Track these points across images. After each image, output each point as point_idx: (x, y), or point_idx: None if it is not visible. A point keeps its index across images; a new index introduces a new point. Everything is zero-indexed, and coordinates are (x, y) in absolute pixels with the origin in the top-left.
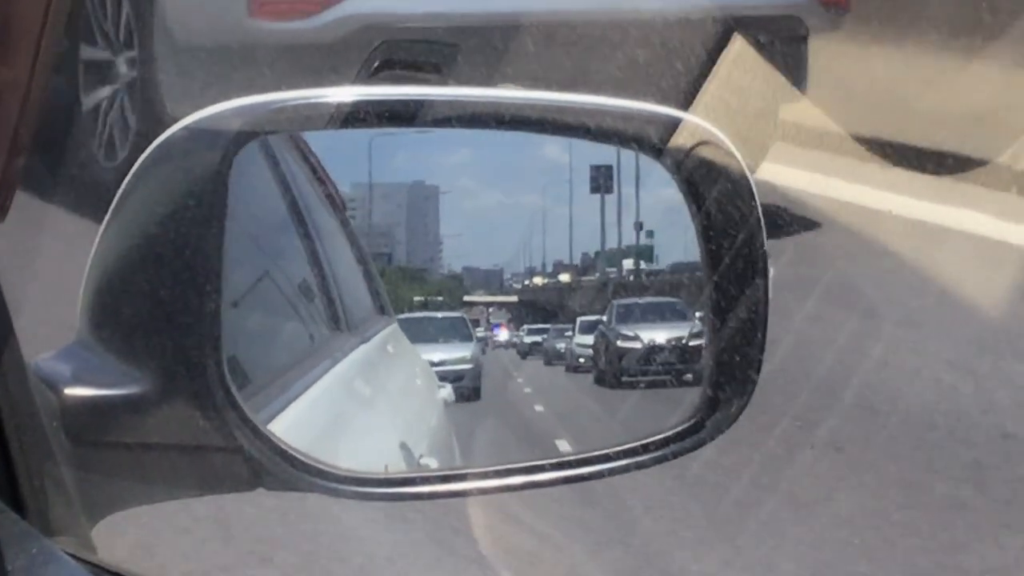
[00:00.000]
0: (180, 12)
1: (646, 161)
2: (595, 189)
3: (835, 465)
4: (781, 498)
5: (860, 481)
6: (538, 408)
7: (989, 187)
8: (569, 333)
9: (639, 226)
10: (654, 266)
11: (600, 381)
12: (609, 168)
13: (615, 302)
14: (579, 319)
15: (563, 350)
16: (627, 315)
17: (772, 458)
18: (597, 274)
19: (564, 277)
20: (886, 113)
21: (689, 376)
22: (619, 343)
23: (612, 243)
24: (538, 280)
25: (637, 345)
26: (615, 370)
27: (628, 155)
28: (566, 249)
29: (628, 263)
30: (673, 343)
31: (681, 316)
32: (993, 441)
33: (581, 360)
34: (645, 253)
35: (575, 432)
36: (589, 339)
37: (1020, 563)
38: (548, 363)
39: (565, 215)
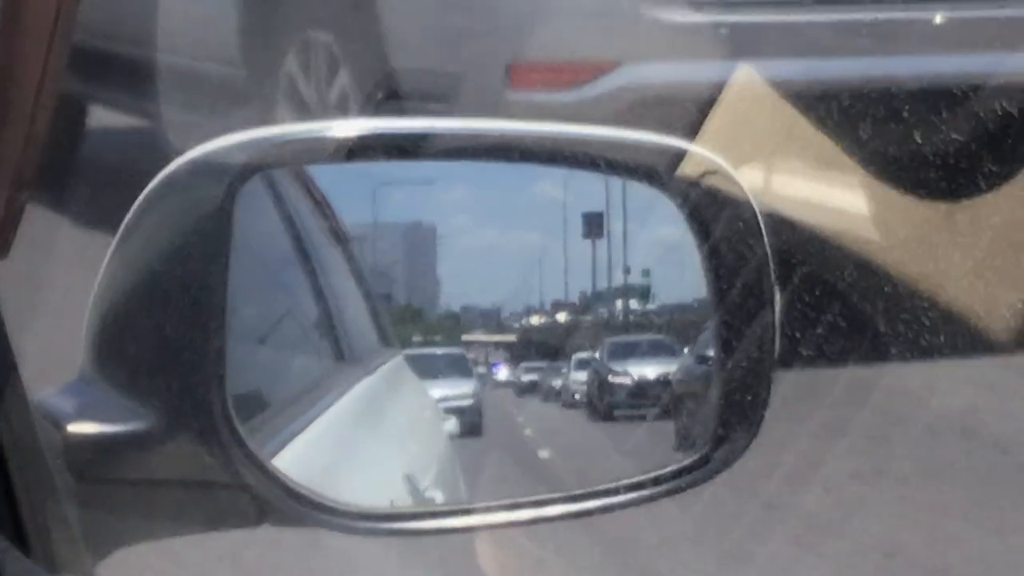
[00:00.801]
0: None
1: (644, 199)
2: (587, 235)
3: None
4: None
5: None
6: (541, 452)
7: None
8: (565, 370)
9: (627, 270)
10: (651, 305)
11: (593, 415)
12: (600, 215)
13: (607, 340)
14: (574, 356)
15: (559, 387)
16: (618, 352)
17: None
18: (597, 312)
19: (561, 316)
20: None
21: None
22: (610, 378)
23: (611, 282)
24: (536, 319)
25: (627, 380)
26: (606, 404)
27: (623, 195)
28: (564, 286)
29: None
30: (661, 378)
31: (670, 352)
32: None
33: (576, 396)
34: (642, 292)
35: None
36: (584, 375)
37: None
38: (544, 400)
39: (562, 252)
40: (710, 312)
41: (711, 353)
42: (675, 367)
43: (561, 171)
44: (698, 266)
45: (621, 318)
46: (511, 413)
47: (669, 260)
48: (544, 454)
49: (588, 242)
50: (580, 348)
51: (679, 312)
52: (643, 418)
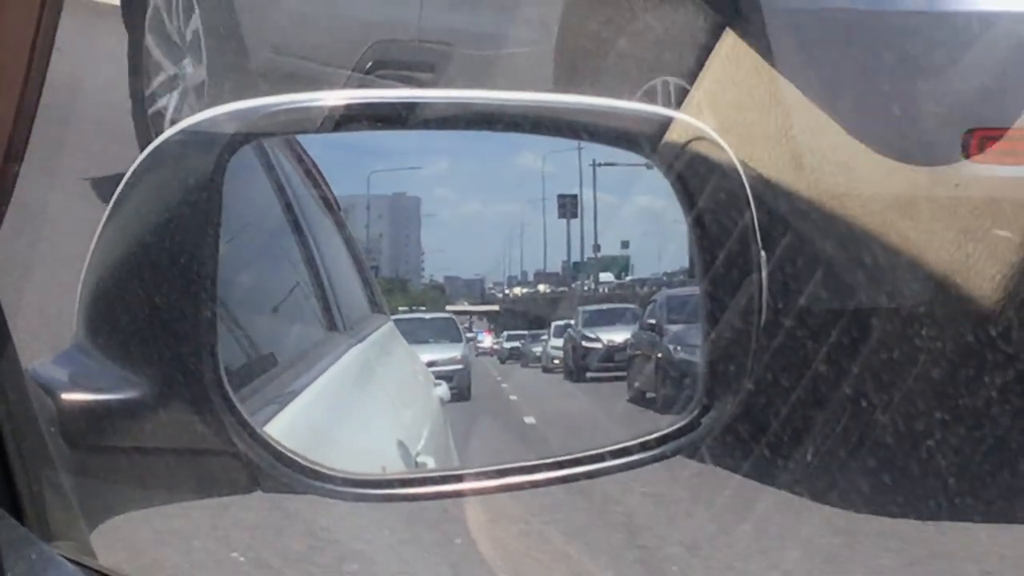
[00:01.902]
0: None
1: (623, 175)
2: (562, 215)
3: None
4: None
5: None
6: (513, 397)
7: None
8: (544, 337)
9: (597, 247)
10: (629, 276)
11: (569, 377)
12: (574, 197)
13: (581, 308)
14: (553, 324)
15: (539, 353)
16: (591, 320)
17: None
18: (573, 285)
19: (543, 288)
20: None
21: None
22: (583, 344)
23: (589, 255)
24: (518, 290)
25: (599, 345)
26: (580, 367)
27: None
28: (547, 258)
29: (603, 275)
30: (630, 343)
31: (637, 319)
32: None
33: (555, 361)
34: (621, 264)
35: (549, 417)
36: (561, 342)
37: None
38: (525, 366)
39: (545, 223)
40: (696, 280)
41: (653, 321)
42: None
43: (543, 144)
44: (672, 238)
45: (595, 289)
46: (496, 379)
47: (647, 232)
48: (530, 420)
49: (563, 222)
50: (559, 317)
51: (652, 284)
52: (613, 379)
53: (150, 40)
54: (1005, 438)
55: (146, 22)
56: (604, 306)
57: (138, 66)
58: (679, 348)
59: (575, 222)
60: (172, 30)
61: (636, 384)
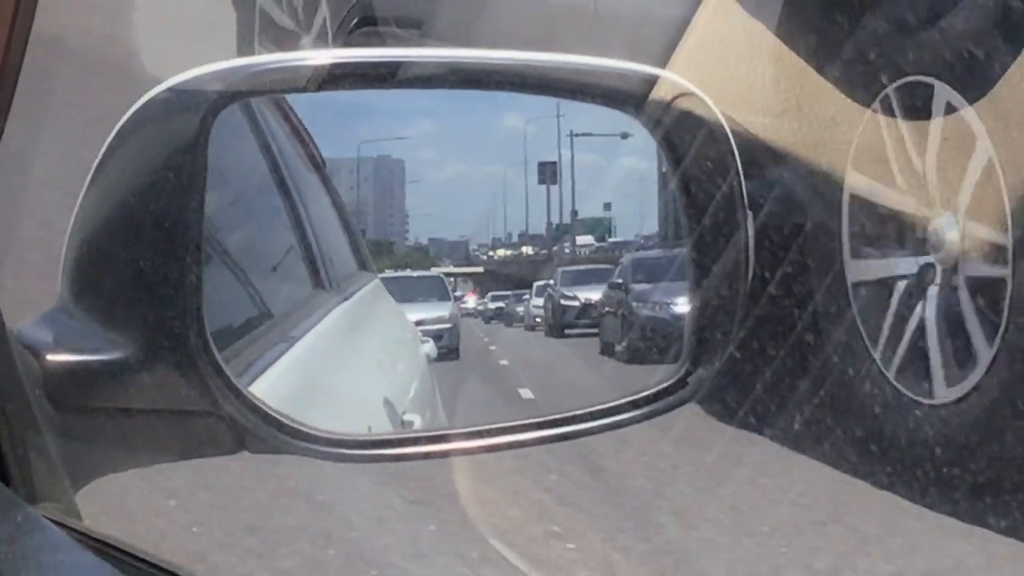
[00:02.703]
0: None
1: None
2: (542, 181)
3: None
4: None
5: None
6: (503, 362)
7: None
8: (526, 297)
9: (574, 212)
10: (613, 238)
11: (550, 334)
12: (553, 164)
13: (560, 269)
14: (535, 284)
15: (522, 313)
16: (569, 280)
17: None
18: (554, 248)
19: (527, 250)
20: None
21: None
22: (562, 302)
23: (568, 218)
24: (502, 252)
25: (576, 303)
26: (559, 323)
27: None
28: (531, 219)
29: (582, 239)
30: (600, 301)
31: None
32: None
33: (537, 320)
34: (604, 226)
35: (531, 371)
36: (542, 301)
37: None
38: (509, 325)
39: (527, 186)
40: (684, 239)
41: (620, 281)
42: None
43: (527, 105)
44: (651, 200)
45: (574, 252)
46: (480, 337)
47: (631, 194)
48: (525, 393)
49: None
50: (541, 278)
51: (627, 247)
52: (592, 335)
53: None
54: (992, 410)
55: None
56: (582, 267)
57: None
58: (642, 305)
59: (556, 187)
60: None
61: (605, 338)
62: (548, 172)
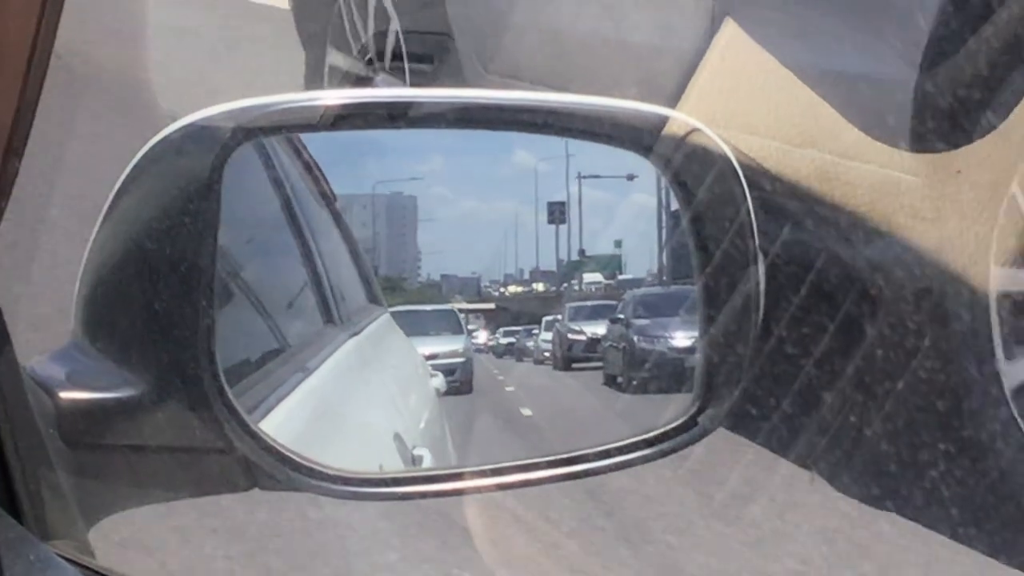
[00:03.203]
0: None
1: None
2: (551, 221)
3: None
4: None
5: None
6: (509, 388)
7: None
8: (536, 332)
9: (581, 252)
10: (623, 275)
11: (556, 366)
12: (562, 204)
13: (568, 304)
14: (544, 319)
15: (531, 347)
16: (576, 314)
17: None
18: (563, 286)
19: (538, 286)
20: None
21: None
22: (568, 336)
23: (579, 255)
24: (514, 288)
25: (582, 337)
26: (566, 357)
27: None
28: (542, 255)
29: (589, 276)
30: (604, 336)
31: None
32: None
33: (545, 353)
34: (614, 263)
35: (535, 398)
36: (550, 335)
37: None
38: (519, 360)
39: (537, 223)
40: (694, 276)
41: (622, 316)
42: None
43: (538, 142)
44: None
45: (581, 289)
46: (491, 371)
47: (643, 232)
48: (526, 412)
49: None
50: (550, 313)
51: (631, 285)
52: (596, 368)
53: (334, 56)
54: (1009, 471)
55: (328, 35)
56: (588, 303)
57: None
58: (642, 338)
59: (567, 226)
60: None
61: (608, 370)
62: (557, 212)
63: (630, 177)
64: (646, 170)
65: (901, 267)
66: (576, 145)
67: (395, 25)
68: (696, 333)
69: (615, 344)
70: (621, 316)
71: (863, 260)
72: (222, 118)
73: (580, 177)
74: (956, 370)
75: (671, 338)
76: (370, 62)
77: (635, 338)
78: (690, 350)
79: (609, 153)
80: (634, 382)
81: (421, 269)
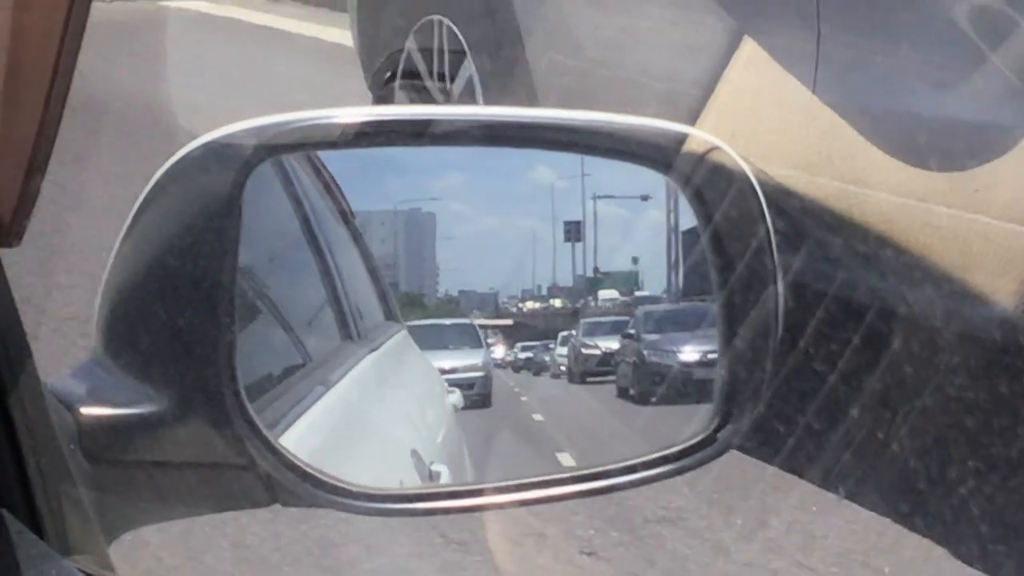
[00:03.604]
0: None
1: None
2: (567, 239)
3: None
4: None
5: None
6: (524, 398)
7: None
8: (552, 347)
9: (596, 270)
10: (642, 292)
11: (571, 380)
12: (578, 223)
13: (582, 320)
14: (560, 334)
15: (548, 361)
16: (591, 330)
17: None
18: (579, 303)
19: (556, 302)
20: None
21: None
22: (583, 351)
23: (596, 271)
24: (532, 304)
25: (596, 352)
26: (581, 371)
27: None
28: (560, 271)
29: (604, 293)
30: (617, 350)
31: None
32: None
33: (561, 368)
34: (631, 280)
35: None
36: (566, 350)
37: None
38: (537, 374)
39: (557, 239)
40: (713, 292)
41: (632, 331)
42: None
43: (557, 158)
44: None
45: (598, 304)
46: (510, 385)
47: (658, 249)
48: (538, 417)
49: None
50: (566, 329)
51: (646, 301)
52: (610, 381)
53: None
54: None
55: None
56: (603, 319)
57: None
58: (651, 352)
59: (584, 243)
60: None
61: (620, 383)
62: (573, 231)
63: (644, 197)
64: (661, 189)
65: (929, 282)
66: (592, 164)
67: (470, 66)
68: (705, 347)
69: (627, 358)
70: (632, 331)
71: (889, 276)
72: (243, 135)
73: (595, 197)
74: (985, 387)
75: (680, 352)
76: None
77: (645, 352)
78: (698, 364)
79: (625, 173)
80: (644, 393)
81: (440, 285)
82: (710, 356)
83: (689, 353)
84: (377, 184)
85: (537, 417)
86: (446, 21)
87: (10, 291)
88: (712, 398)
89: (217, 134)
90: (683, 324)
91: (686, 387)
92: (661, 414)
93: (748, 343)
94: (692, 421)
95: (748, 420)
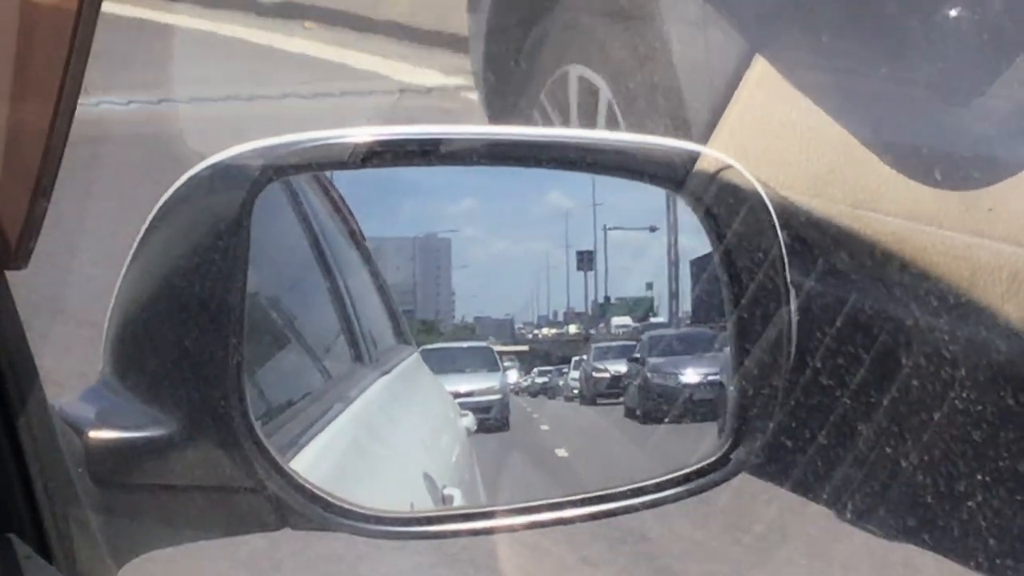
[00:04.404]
0: None
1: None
2: (580, 268)
3: None
4: None
5: None
6: (544, 427)
7: None
8: (565, 371)
9: (607, 298)
10: (656, 318)
11: (583, 402)
12: (591, 252)
13: (593, 345)
14: (573, 359)
15: (562, 385)
16: (601, 355)
17: None
18: (591, 331)
19: (572, 328)
20: None
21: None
22: (593, 374)
23: (627, 292)
24: (548, 330)
25: (606, 375)
26: (591, 393)
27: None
28: (574, 297)
29: (617, 320)
30: (624, 373)
31: None
32: None
33: (574, 391)
34: (645, 305)
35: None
36: (578, 374)
37: None
38: (551, 398)
39: (570, 265)
40: (725, 313)
41: (638, 355)
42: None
43: (569, 182)
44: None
45: (610, 331)
46: (525, 408)
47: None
48: (554, 440)
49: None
50: (578, 354)
51: (655, 328)
52: (619, 402)
53: None
54: None
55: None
56: (612, 343)
57: None
58: (655, 375)
59: (598, 270)
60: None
61: (628, 404)
62: (585, 260)
63: (652, 229)
64: (667, 220)
65: (936, 297)
66: (603, 194)
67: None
68: (705, 370)
69: (633, 381)
70: (638, 355)
71: (898, 291)
72: (251, 156)
73: (606, 229)
74: (993, 400)
75: (681, 374)
76: None
77: (649, 375)
78: (699, 385)
79: (635, 201)
80: (648, 413)
81: (455, 311)
82: (709, 378)
83: (690, 375)
84: (391, 209)
85: (544, 427)
86: (587, 71)
87: (17, 314)
88: (711, 417)
89: (225, 155)
90: (686, 348)
91: (687, 407)
92: (664, 431)
93: (760, 362)
94: (690, 436)
95: (761, 441)
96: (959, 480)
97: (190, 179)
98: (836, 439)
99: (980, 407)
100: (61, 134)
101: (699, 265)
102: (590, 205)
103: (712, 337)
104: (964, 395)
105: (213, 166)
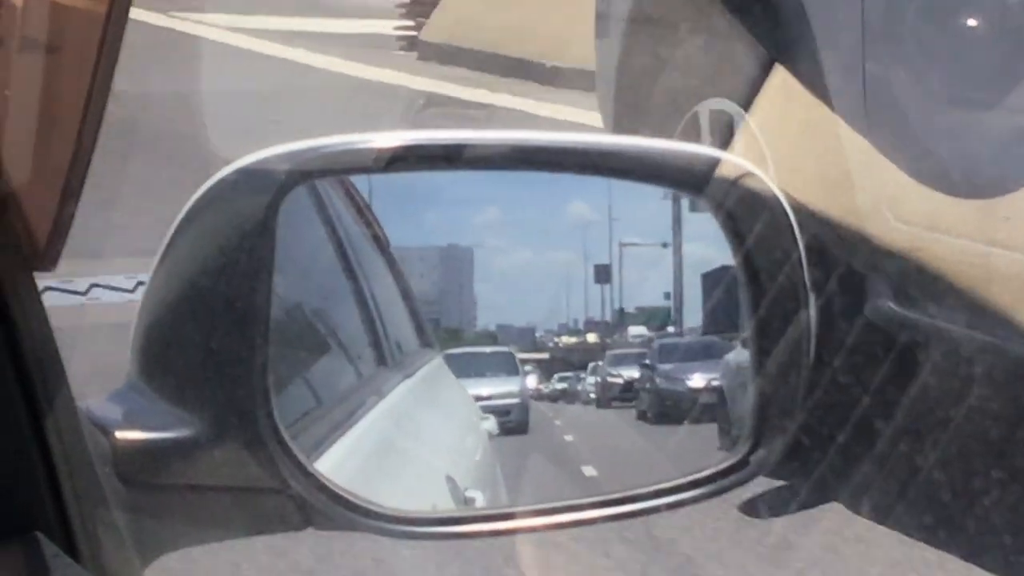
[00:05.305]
0: None
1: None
2: (597, 281)
3: None
4: None
5: None
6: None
7: None
8: (584, 376)
9: (621, 310)
10: (670, 328)
11: (598, 406)
12: (608, 266)
13: (608, 352)
14: (590, 365)
15: (580, 390)
16: (615, 361)
17: None
18: (608, 340)
19: (591, 337)
20: None
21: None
22: (608, 379)
23: (645, 302)
24: (568, 339)
25: (620, 380)
26: (606, 397)
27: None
28: (593, 306)
29: (634, 329)
30: (637, 379)
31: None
32: None
33: (591, 395)
34: (663, 315)
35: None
36: (594, 380)
37: None
38: (570, 403)
39: (589, 275)
40: (745, 317)
41: (648, 362)
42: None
43: (591, 191)
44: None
45: (627, 340)
46: (543, 411)
47: (691, 283)
48: (569, 438)
49: (622, 256)
50: (597, 360)
51: (670, 336)
52: (631, 407)
53: None
54: None
55: None
56: (627, 351)
57: None
58: (664, 380)
59: (615, 282)
60: None
61: (639, 407)
62: (603, 274)
63: (665, 245)
64: (674, 234)
65: (953, 298)
66: (619, 208)
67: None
68: (709, 375)
69: (644, 385)
70: (648, 362)
71: (915, 292)
72: (277, 160)
73: (622, 245)
74: (1009, 398)
75: (688, 380)
76: None
77: (659, 380)
78: (704, 390)
79: (649, 218)
80: (658, 416)
81: (478, 320)
82: (713, 383)
83: (697, 380)
84: (415, 218)
85: (558, 422)
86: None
87: (46, 315)
88: (715, 419)
89: (251, 158)
90: (694, 356)
91: (694, 410)
92: (670, 432)
93: (780, 365)
94: (694, 435)
95: (781, 445)
96: (975, 477)
97: (217, 183)
98: (853, 437)
99: (996, 405)
100: (90, 136)
101: (711, 279)
102: (608, 218)
103: (720, 345)
104: (980, 393)
105: (239, 169)
